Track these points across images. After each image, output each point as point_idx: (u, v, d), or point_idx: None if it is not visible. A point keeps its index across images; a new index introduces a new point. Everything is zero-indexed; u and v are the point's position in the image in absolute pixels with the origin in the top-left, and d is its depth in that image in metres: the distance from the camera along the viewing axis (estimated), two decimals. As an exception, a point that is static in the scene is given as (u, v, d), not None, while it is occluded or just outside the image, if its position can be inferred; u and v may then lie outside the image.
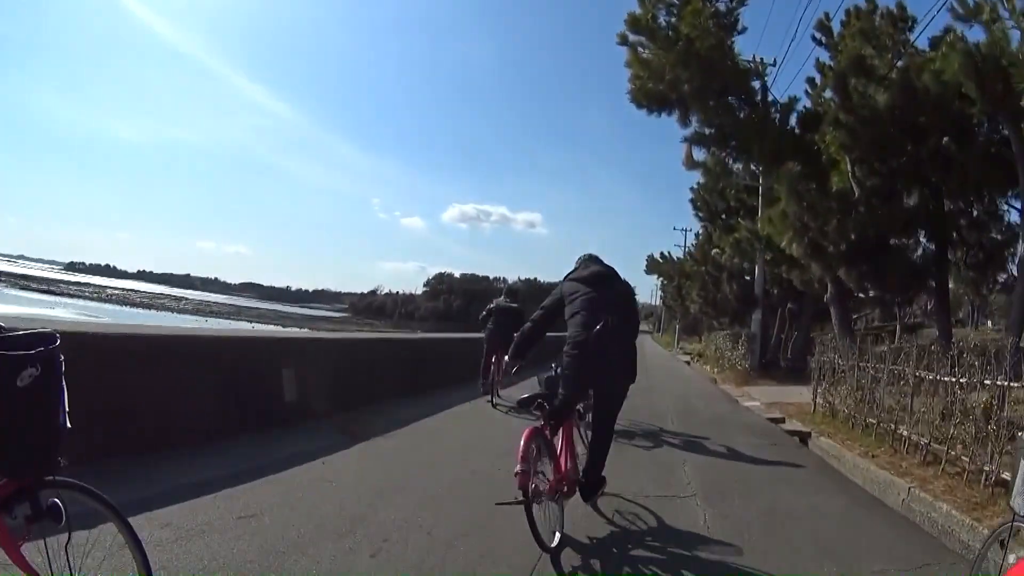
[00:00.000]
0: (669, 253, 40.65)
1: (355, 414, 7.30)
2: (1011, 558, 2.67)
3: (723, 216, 19.87)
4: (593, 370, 4.12)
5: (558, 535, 3.67)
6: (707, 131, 15.12)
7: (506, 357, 4.62)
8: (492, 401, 8.95)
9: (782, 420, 9.95)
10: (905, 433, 6.46)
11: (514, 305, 9.38)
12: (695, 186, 21.24)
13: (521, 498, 3.40)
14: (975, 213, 13.65)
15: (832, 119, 11.86)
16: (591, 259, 4.52)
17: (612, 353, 4.09)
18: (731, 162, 16.75)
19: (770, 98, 16.35)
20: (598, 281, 4.30)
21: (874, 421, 7.31)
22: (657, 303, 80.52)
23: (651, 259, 44.59)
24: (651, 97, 14.29)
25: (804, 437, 8.36)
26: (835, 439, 7.51)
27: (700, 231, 23.58)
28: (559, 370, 4.39)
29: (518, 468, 3.41)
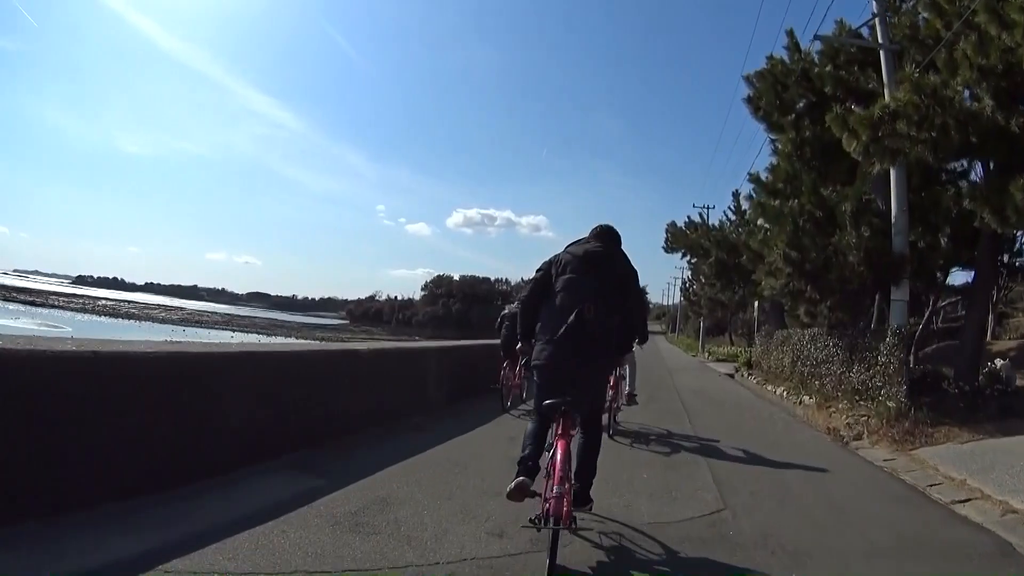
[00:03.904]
0: (703, 217, 27.76)
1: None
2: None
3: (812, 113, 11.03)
4: (563, 380, 3.61)
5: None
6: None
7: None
8: (505, 406, 8.87)
9: None
10: None
11: None
12: (754, 80, 12.61)
13: (553, 525, 3.01)
14: None
15: None
16: (598, 233, 4.04)
17: (584, 357, 3.63)
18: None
19: None
20: (587, 264, 3.79)
21: None
22: (674, 300, 70.02)
23: (674, 229, 27.72)
24: None
25: None
26: None
27: (775, 153, 13.62)
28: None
29: (554, 491, 3.06)
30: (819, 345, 11.97)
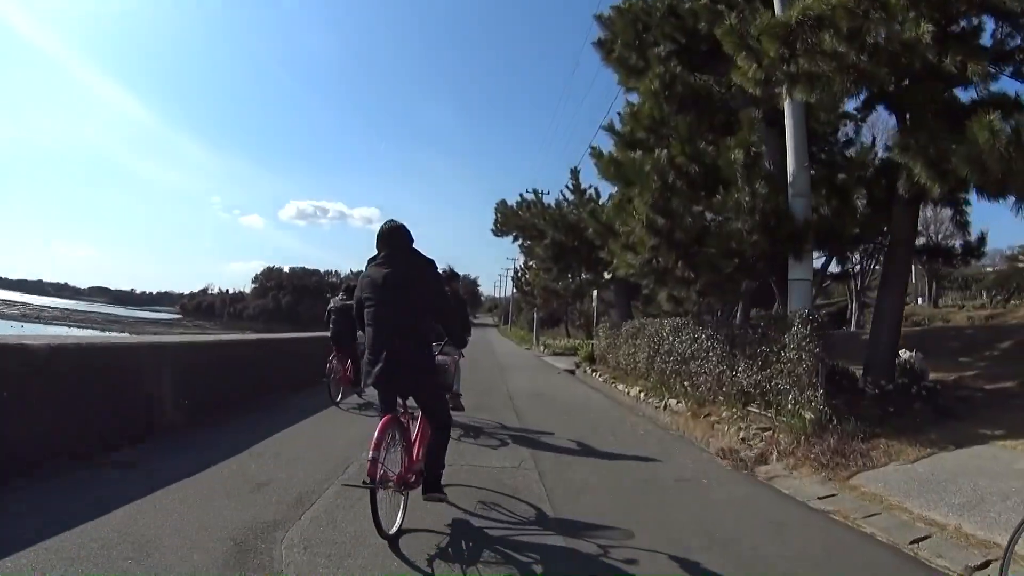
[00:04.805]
0: (538, 195, 22.95)
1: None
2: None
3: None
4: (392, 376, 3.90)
5: (398, 523, 3.76)
6: None
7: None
8: (337, 402, 8.82)
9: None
10: None
11: (351, 302, 7.06)
12: (609, 19, 10.29)
13: (368, 483, 3.45)
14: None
15: None
16: (387, 246, 4.02)
17: (408, 373, 3.91)
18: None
19: None
20: (386, 292, 3.91)
21: None
22: (507, 291, 68.61)
23: (504, 208, 24.57)
24: None
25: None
26: None
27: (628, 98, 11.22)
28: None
29: (370, 455, 3.49)
30: (685, 337, 9.84)
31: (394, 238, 4.02)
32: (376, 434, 3.57)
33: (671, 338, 10.50)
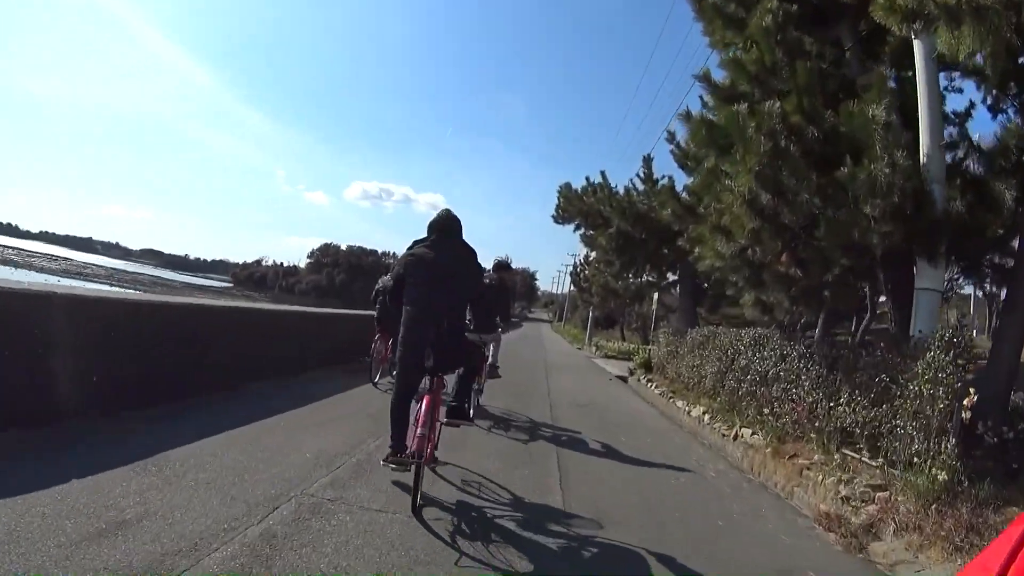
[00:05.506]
0: (605, 177, 19.35)
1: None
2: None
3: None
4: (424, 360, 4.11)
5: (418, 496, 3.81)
6: None
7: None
8: (375, 381, 8.85)
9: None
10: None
11: None
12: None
13: (414, 459, 3.68)
14: None
15: None
16: (437, 238, 4.21)
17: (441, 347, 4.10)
18: None
19: None
20: (432, 281, 4.08)
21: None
22: (564, 288, 66.48)
23: (568, 192, 21.40)
24: None
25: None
26: None
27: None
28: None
29: (419, 431, 3.70)
30: (768, 353, 7.93)
31: (447, 226, 4.24)
32: (422, 413, 3.80)
33: (749, 352, 8.61)
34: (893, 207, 5.23)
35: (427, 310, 4.01)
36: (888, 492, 4.96)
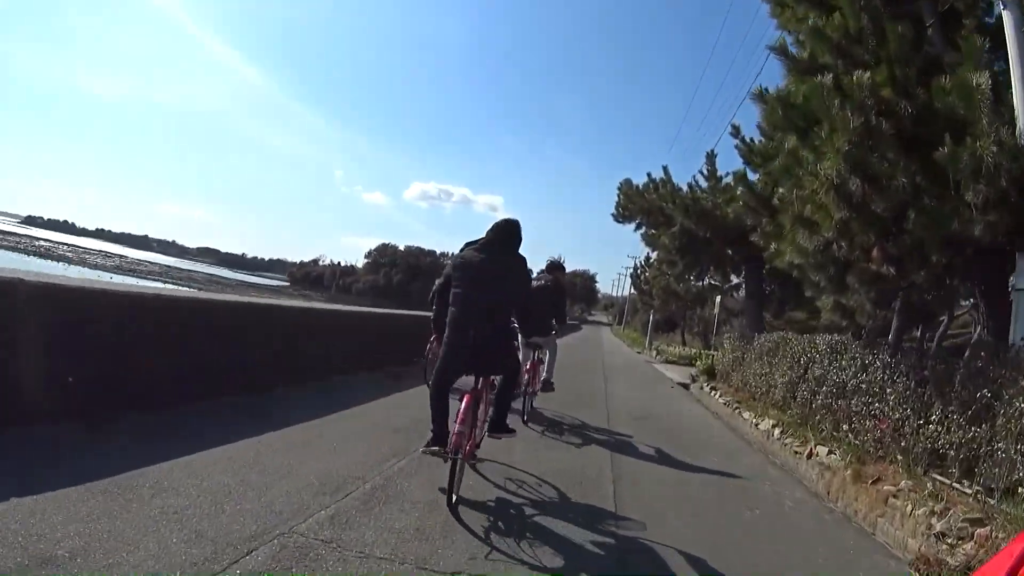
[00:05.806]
0: (667, 172, 18.26)
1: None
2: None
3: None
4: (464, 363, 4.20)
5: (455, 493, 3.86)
6: None
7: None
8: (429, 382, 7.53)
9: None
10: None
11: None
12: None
13: (452, 454, 3.71)
14: None
15: None
16: (491, 239, 4.28)
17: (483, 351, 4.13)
18: None
19: None
20: (477, 283, 4.14)
21: None
22: (624, 291, 65.16)
23: (628, 188, 19.95)
24: None
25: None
26: None
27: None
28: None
29: (458, 428, 3.74)
30: (847, 363, 7.12)
31: (504, 231, 4.29)
32: (461, 411, 3.85)
33: (826, 361, 7.81)
34: (999, 193, 4.45)
35: (469, 312, 4.08)
36: (988, 527, 4.21)
